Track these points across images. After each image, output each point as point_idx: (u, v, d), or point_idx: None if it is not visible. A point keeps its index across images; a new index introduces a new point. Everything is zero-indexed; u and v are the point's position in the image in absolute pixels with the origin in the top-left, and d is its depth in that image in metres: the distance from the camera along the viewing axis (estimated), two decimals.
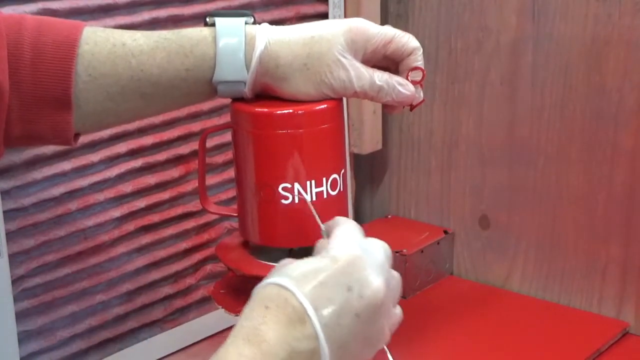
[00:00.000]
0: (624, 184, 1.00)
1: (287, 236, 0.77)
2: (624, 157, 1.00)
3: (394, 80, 0.77)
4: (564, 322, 1.04)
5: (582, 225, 1.04)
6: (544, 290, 1.09)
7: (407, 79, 0.78)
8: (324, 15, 1.12)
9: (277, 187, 0.76)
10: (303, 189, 0.76)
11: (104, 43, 0.73)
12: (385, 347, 0.67)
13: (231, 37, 0.74)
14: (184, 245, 1.00)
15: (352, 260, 0.63)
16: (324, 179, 0.77)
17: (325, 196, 0.77)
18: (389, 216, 1.24)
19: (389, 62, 0.79)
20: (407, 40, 0.78)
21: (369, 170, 1.25)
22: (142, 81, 0.73)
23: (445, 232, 1.16)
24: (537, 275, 1.09)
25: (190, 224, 1.00)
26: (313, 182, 0.76)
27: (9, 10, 0.81)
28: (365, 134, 1.17)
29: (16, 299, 0.85)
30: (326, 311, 0.60)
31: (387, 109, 0.82)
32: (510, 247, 1.11)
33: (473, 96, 1.11)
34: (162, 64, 0.73)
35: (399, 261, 1.09)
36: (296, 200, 0.76)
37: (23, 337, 0.86)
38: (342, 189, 0.79)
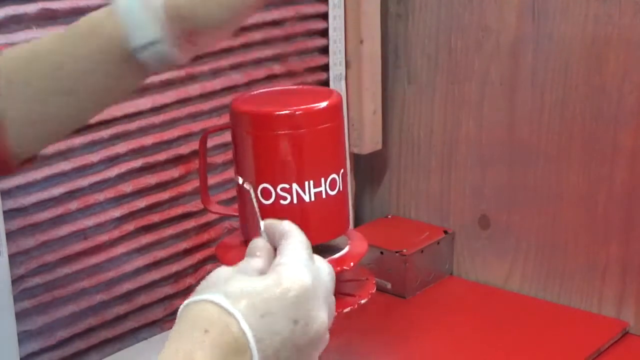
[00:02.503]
0: (624, 184, 1.00)
1: None
2: (624, 157, 0.99)
3: None
4: (564, 322, 1.04)
5: (582, 225, 1.04)
6: (544, 290, 1.09)
7: None
8: (324, 15, 1.12)
9: (276, 187, 0.76)
10: (302, 189, 0.76)
11: (13, 50, 0.72)
12: None
13: (119, 5, 0.72)
14: (184, 245, 1.00)
15: (303, 292, 0.58)
16: (323, 179, 0.77)
17: (324, 196, 0.77)
18: (389, 216, 1.24)
19: None
20: None
21: (369, 170, 1.25)
22: (61, 77, 0.71)
23: (445, 232, 1.16)
24: (537, 275, 1.09)
25: (190, 224, 1.00)
26: (312, 182, 0.76)
27: (9, 11, 0.81)
28: (365, 134, 1.17)
29: (16, 299, 0.85)
30: (269, 344, 0.56)
31: None
32: (510, 247, 1.11)
33: (473, 96, 1.11)
34: (73, 52, 0.71)
35: (399, 261, 1.09)
36: (295, 201, 0.76)
37: (23, 337, 0.86)
38: (341, 189, 0.79)
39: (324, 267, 0.62)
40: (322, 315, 0.59)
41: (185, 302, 0.57)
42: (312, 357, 0.60)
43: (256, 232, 0.64)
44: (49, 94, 0.71)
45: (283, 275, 0.58)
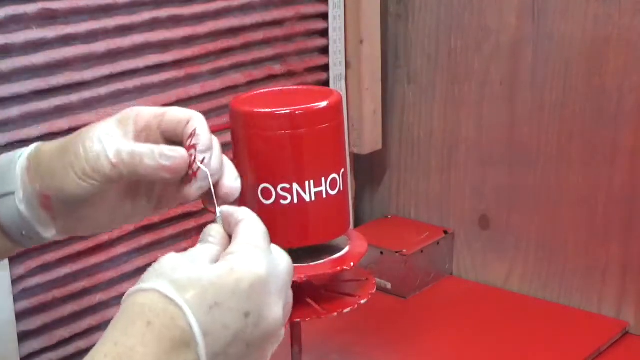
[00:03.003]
0: (624, 184, 1.00)
1: (286, 236, 0.77)
2: (624, 157, 0.99)
3: (162, 146, 0.63)
4: (564, 322, 1.04)
5: (582, 225, 1.04)
6: (544, 290, 1.09)
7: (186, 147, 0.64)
8: (324, 15, 1.12)
9: (277, 187, 0.76)
10: (302, 189, 0.76)
11: None
12: None
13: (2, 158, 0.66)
14: (184, 245, 1.00)
15: (256, 282, 0.54)
16: (323, 179, 0.77)
17: (324, 196, 0.77)
18: (389, 216, 1.24)
19: (169, 141, 0.65)
20: (182, 111, 0.65)
21: (369, 170, 1.25)
22: None
23: (445, 232, 1.16)
24: (537, 275, 1.09)
25: (190, 224, 1.00)
26: (312, 181, 0.76)
27: (8, 11, 0.81)
28: (365, 134, 1.17)
29: (16, 299, 0.85)
30: (217, 339, 0.52)
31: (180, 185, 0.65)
32: (510, 247, 1.11)
33: (473, 96, 1.11)
34: None
35: (399, 261, 1.09)
36: (295, 201, 0.76)
37: (23, 337, 0.86)
38: (341, 189, 0.79)
39: (282, 258, 0.58)
40: (276, 309, 0.55)
41: (129, 290, 0.54)
42: (264, 354, 0.56)
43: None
44: None
45: (235, 263, 0.54)
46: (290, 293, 0.59)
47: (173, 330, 0.51)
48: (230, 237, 0.58)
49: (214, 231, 0.59)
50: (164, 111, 0.64)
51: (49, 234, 0.65)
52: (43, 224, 0.65)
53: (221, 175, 0.64)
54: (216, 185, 0.63)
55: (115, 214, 0.66)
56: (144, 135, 0.64)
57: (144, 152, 0.61)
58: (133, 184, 0.65)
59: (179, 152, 0.62)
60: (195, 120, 0.63)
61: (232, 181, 0.64)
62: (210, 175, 0.62)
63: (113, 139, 0.62)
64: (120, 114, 0.64)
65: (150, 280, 0.53)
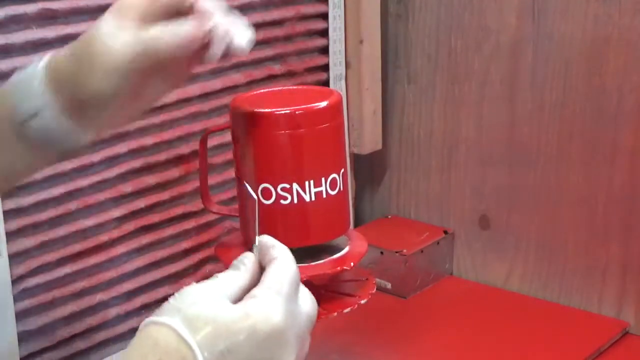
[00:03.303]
0: (624, 184, 1.00)
1: (286, 236, 0.77)
2: (624, 157, 1.00)
3: (172, 25, 0.64)
4: (564, 322, 1.04)
5: (582, 225, 1.04)
6: (544, 290, 1.09)
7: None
8: (324, 15, 1.12)
9: (277, 187, 0.76)
10: (302, 189, 0.76)
11: None
12: None
13: (21, 74, 0.66)
14: (184, 245, 1.00)
15: (273, 333, 0.53)
16: (323, 179, 0.77)
17: (324, 196, 0.77)
18: (389, 216, 1.24)
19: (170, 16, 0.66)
20: None
21: (369, 170, 1.25)
22: None
23: (445, 232, 1.16)
24: (537, 275, 1.09)
25: (190, 224, 1.00)
26: (312, 181, 0.76)
27: (8, 11, 0.81)
28: (365, 134, 1.17)
29: (16, 299, 0.85)
30: None
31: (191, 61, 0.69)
32: (510, 247, 1.11)
33: (473, 96, 1.11)
34: None
35: (399, 261, 1.09)
36: (295, 201, 0.76)
37: (23, 337, 0.86)
38: (342, 189, 0.79)
39: (306, 304, 0.57)
40: (289, 359, 0.54)
41: (146, 320, 0.53)
42: None
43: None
44: None
45: (253, 310, 0.53)
46: (308, 339, 0.58)
47: None
48: (262, 269, 0.58)
49: (247, 260, 0.58)
50: None
51: (82, 141, 0.66)
52: (74, 132, 0.65)
53: (232, 35, 0.66)
54: (229, 45, 0.66)
55: (138, 101, 0.68)
56: (148, 18, 0.64)
57: (159, 36, 0.63)
58: (148, 68, 0.65)
59: (191, 26, 0.64)
60: None
61: (242, 38, 0.66)
62: (222, 38, 0.66)
63: (126, 31, 0.63)
64: (116, 4, 0.64)
65: (167, 314, 0.53)
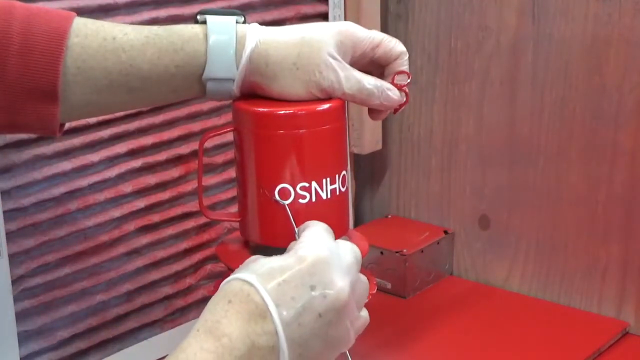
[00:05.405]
0: (624, 184, 1.00)
1: (287, 236, 0.77)
2: (624, 157, 1.00)
3: (383, 84, 0.78)
4: (564, 322, 1.04)
5: (582, 225, 1.04)
6: (544, 290, 1.09)
7: (392, 83, 0.78)
8: (324, 15, 1.12)
9: (296, 187, 0.76)
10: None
11: (94, 36, 0.72)
12: (347, 351, 0.67)
13: (222, 34, 0.74)
14: (184, 245, 1.00)
15: (318, 260, 0.63)
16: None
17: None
18: (389, 216, 1.24)
19: (374, 66, 0.79)
20: (394, 44, 0.78)
21: (369, 170, 1.25)
22: (130, 76, 0.73)
23: (445, 232, 1.16)
24: (537, 275, 1.09)
25: (190, 224, 1.00)
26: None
27: None
28: (365, 134, 1.17)
29: (16, 299, 0.85)
30: (287, 309, 0.61)
31: (371, 114, 0.82)
32: (510, 247, 1.11)
33: (473, 96, 1.11)
34: (152, 59, 0.73)
35: (399, 261, 1.09)
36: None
37: (23, 337, 0.86)
38: (343, 190, 0.79)
39: (345, 246, 0.67)
40: (340, 284, 0.63)
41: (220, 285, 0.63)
42: (340, 327, 0.63)
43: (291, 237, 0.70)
44: (112, 88, 0.73)
45: (300, 249, 0.64)
46: (363, 277, 0.67)
47: (249, 304, 0.60)
48: None
49: (293, 245, 0.67)
50: (378, 42, 0.78)
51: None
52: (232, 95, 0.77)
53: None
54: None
55: None
56: (359, 63, 0.78)
57: (372, 91, 0.77)
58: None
59: (396, 95, 0.79)
60: (403, 59, 0.79)
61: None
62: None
63: (340, 68, 0.75)
64: (336, 29, 0.76)
65: (234, 274, 0.63)
